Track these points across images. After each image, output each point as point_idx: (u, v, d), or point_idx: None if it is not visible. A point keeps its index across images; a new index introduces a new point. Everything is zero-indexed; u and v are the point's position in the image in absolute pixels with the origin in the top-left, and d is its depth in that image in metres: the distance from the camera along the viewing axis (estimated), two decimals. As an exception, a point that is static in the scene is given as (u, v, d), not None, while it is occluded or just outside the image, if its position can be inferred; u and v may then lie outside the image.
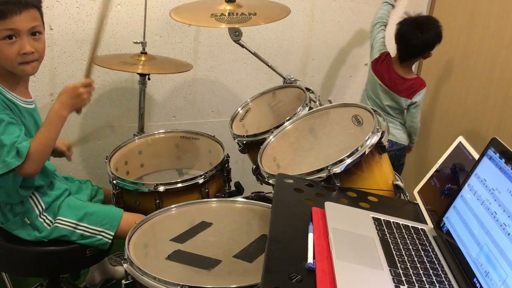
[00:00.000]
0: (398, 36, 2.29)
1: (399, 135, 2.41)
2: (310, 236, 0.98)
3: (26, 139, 1.40)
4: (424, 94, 2.34)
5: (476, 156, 1.15)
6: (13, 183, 1.49)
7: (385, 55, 2.37)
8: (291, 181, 1.27)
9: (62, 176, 1.74)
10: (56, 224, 1.56)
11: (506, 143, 0.99)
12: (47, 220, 1.57)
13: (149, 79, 2.13)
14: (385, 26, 2.42)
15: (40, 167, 1.44)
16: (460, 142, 1.26)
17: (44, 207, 1.58)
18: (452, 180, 1.21)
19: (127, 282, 1.21)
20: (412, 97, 2.31)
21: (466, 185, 1.06)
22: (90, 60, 1.54)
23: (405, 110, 2.37)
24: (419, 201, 1.29)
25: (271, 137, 1.64)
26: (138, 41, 2.09)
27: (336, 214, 1.08)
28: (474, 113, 2.53)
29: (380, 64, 2.36)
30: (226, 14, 1.90)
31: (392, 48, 2.38)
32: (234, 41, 2.01)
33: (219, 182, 1.86)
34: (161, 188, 1.67)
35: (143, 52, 2.09)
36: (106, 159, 1.87)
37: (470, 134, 2.52)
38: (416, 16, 2.31)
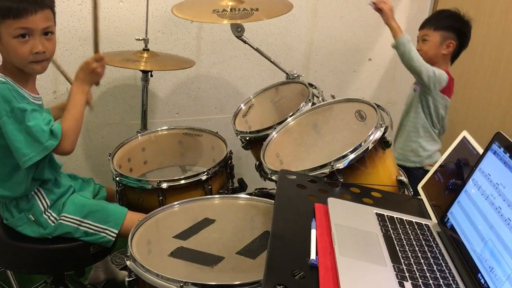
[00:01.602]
0: (461, 36, 2.09)
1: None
2: (313, 232, 0.98)
3: (56, 121, 1.47)
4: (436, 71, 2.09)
5: (481, 150, 1.14)
6: (26, 174, 1.50)
7: (448, 73, 2.10)
8: (294, 177, 1.26)
9: (66, 174, 1.74)
10: (60, 221, 1.57)
11: (510, 137, 0.98)
12: (51, 217, 1.57)
13: (151, 76, 2.12)
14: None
15: (75, 142, 1.51)
16: (464, 137, 1.25)
17: (49, 204, 1.58)
18: (456, 175, 1.20)
19: (131, 279, 1.21)
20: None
21: (470, 180, 1.05)
22: (96, 35, 1.58)
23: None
24: (423, 196, 1.28)
25: (274, 133, 1.64)
26: (140, 38, 2.09)
27: (339, 210, 1.08)
28: (479, 108, 2.52)
29: (452, 84, 2.10)
30: (228, 10, 1.89)
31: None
32: (237, 37, 2.00)
33: (222, 178, 1.85)
34: (164, 185, 1.67)
35: (146, 49, 2.08)
36: (109, 156, 1.87)
37: (475, 129, 2.51)
38: (454, 13, 2.14)
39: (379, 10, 2.04)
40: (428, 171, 1.34)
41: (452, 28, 2.08)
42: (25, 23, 1.37)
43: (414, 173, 2.12)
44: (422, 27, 2.14)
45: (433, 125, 2.15)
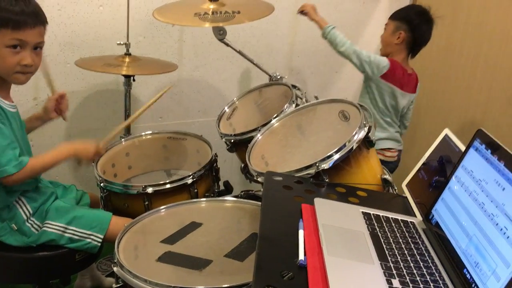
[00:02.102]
0: (420, 34, 2.14)
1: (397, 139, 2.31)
2: (301, 232, 0.98)
3: (25, 154, 1.48)
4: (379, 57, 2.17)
5: (463, 147, 1.16)
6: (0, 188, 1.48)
7: (395, 61, 2.15)
8: (280, 178, 1.27)
9: (47, 181, 1.72)
10: (44, 228, 1.55)
11: (491, 134, 1.00)
12: (34, 225, 1.55)
13: (134, 80, 2.11)
14: None
15: (23, 181, 1.48)
16: (446, 135, 1.27)
17: (31, 211, 1.56)
18: (439, 172, 1.22)
19: (118, 285, 1.20)
20: (416, 90, 2.24)
21: (453, 177, 1.07)
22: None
23: (407, 108, 2.26)
24: (407, 194, 1.29)
25: (258, 135, 1.64)
26: (122, 43, 2.07)
27: (326, 210, 1.08)
28: (459, 105, 2.56)
29: (396, 72, 2.14)
30: (210, 13, 1.89)
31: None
32: (219, 39, 2.01)
33: (208, 182, 1.85)
34: (150, 190, 1.66)
35: (127, 54, 2.07)
36: (93, 162, 1.85)
37: (456, 126, 2.55)
38: (419, 9, 2.20)
39: (303, 12, 2.21)
40: None
41: (405, 19, 2.15)
42: (21, 36, 1.39)
43: None
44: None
45: (381, 112, 2.20)
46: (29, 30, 1.40)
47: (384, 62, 2.10)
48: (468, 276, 0.87)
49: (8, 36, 1.37)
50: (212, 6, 1.92)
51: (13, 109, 1.52)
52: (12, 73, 1.43)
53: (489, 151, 0.96)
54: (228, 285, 1.09)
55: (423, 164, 1.32)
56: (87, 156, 1.57)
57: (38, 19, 1.43)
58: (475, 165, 1.00)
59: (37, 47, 1.46)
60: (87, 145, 1.57)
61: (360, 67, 2.12)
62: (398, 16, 2.17)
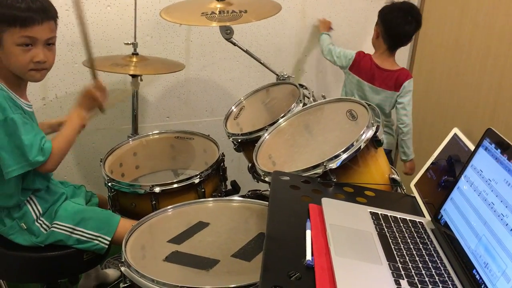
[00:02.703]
0: (388, 24, 2.19)
1: (387, 139, 2.37)
2: (308, 233, 0.98)
3: (47, 139, 1.47)
4: (411, 85, 2.22)
5: (472, 147, 1.14)
6: (16, 185, 1.49)
7: (363, 54, 2.29)
8: (287, 178, 1.26)
9: (58, 181, 1.72)
10: (52, 229, 1.56)
11: (500, 133, 0.98)
12: (44, 225, 1.56)
13: (141, 80, 2.11)
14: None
15: (59, 163, 1.51)
16: (455, 134, 1.26)
17: (41, 211, 1.57)
18: (448, 172, 1.21)
19: (125, 285, 1.20)
20: (399, 89, 2.23)
21: (462, 177, 1.06)
22: (91, 61, 1.60)
23: (395, 108, 2.28)
24: (416, 194, 1.28)
25: (266, 134, 1.64)
26: (129, 42, 2.08)
27: (333, 210, 1.08)
28: (468, 104, 2.53)
29: (361, 64, 2.27)
30: (217, 12, 1.89)
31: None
32: (226, 39, 2.00)
33: (215, 181, 1.85)
34: (157, 189, 1.66)
35: (135, 53, 2.07)
36: (101, 161, 1.85)
37: (465, 125, 2.52)
38: (396, 2, 2.25)
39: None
40: None
41: (379, 15, 2.25)
42: (30, 33, 1.39)
43: None
44: None
45: None
46: (38, 26, 1.39)
47: (351, 54, 2.30)
48: (477, 276, 0.86)
49: (17, 34, 1.37)
50: (219, 5, 1.91)
51: (30, 109, 1.54)
52: (26, 70, 1.44)
53: (499, 150, 0.95)
54: (235, 285, 1.08)
55: (432, 163, 1.30)
56: (97, 103, 1.59)
57: (46, 14, 1.42)
58: (485, 165, 0.99)
59: (49, 43, 1.45)
60: (89, 94, 1.58)
61: (335, 63, 2.37)
62: (379, 14, 2.25)
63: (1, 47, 1.40)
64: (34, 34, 1.39)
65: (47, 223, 1.56)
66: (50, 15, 1.44)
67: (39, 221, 1.56)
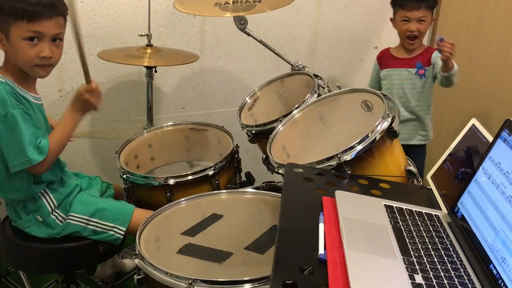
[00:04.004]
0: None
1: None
2: (321, 226, 0.97)
3: (44, 136, 1.46)
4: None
5: (490, 138, 1.12)
6: (28, 179, 1.50)
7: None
8: (301, 170, 1.25)
9: (72, 172, 1.74)
10: (68, 221, 1.57)
11: (520, 124, 0.96)
12: (59, 217, 1.58)
13: (156, 71, 2.11)
14: None
15: (52, 163, 1.50)
16: (473, 125, 1.23)
17: (56, 204, 1.58)
18: (465, 164, 1.18)
19: (139, 277, 1.20)
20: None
21: (480, 169, 1.03)
22: (84, 64, 1.55)
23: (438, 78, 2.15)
24: (432, 186, 1.26)
25: (280, 126, 1.62)
26: (144, 34, 2.08)
27: (347, 203, 1.06)
28: (488, 94, 2.48)
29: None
30: (231, 2, 1.88)
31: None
32: (240, 29, 1.98)
33: (230, 173, 1.84)
34: (172, 181, 1.66)
35: (149, 45, 2.07)
36: (116, 153, 1.86)
37: (484, 116, 2.47)
38: None
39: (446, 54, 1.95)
40: None
41: (433, 6, 2.15)
42: (37, 27, 1.39)
43: None
44: (418, 7, 2.10)
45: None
46: (45, 21, 1.39)
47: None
48: (494, 271, 0.84)
49: (25, 28, 1.37)
50: (232, -5, 1.90)
51: (39, 101, 1.54)
52: (31, 66, 1.44)
53: (518, 142, 0.93)
54: (249, 278, 1.08)
55: (449, 155, 1.28)
56: (89, 104, 1.56)
57: (55, 9, 1.41)
58: (503, 157, 0.96)
59: (56, 38, 1.45)
60: (79, 96, 1.54)
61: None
62: (432, 5, 2.13)
63: (9, 41, 1.40)
64: (41, 29, 1.39)
65: (62, 215, 1.58)
66: (59, 10, 1.43)
67: (54, 213, 1.57)
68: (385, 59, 2.29)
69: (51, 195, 1.58)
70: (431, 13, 2.13)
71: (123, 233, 1.60)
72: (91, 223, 1.58)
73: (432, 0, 2.14)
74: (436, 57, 2.11)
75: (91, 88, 1.55)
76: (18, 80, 1.46)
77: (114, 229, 1.59)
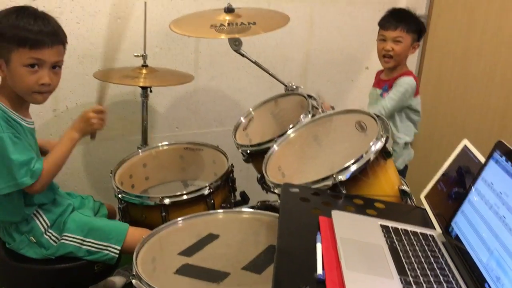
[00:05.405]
0: (420, 39, 2.19)
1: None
2: (319, 246, 0.98)
3: (38, 160, 1.46)
4: (411, 83, 2.10)
5: (482, 159, 1.14)
6: (18, 201, 1.50)
7: (411, 72, 2.21)
8: (297, 190, 1.26)
9: (64, 192, 1.74)
10: (62, 241, 1.57)
11: (510, 144, 0.98)
12: (52, 237, 1.57)
13: (151, 91, 2.13)
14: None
15: (47, 185, 1.51)
16: (465, 145, 1.26)
17: (49, 224, 1.58)
18: (458, 184, 1.21)
19: (137, 298, 1.20)
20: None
21: (473, 189, 1.05)
22: (102, 88, 1.61)
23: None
24: (426, 206, 1.28)
25: (275, 146, 1.64)
26: (139, 54, 2.10)
27: (344, 222, 1.08)
28: (477, 112, 2.53)
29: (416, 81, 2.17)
30: (226, 24, 1.90)
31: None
32: (235, 50, 2.01)
33: (225, 192, 1.85)
34: (167, 201, 1.67)
35: (144, 65, 2.09)
36: (111, 173, 1.87)
37: (474, 134, 2.52)
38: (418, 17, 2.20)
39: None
40: None
41: (418, 31, 2.16)
42: (38, 55, 1.41)
43: None
44: (395, 27, 2.12)
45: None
46: (47, 49, 1.42)
47: (412, 82, 2.10)
48: (489, 291, 0.86)
49: (26, 55, 1.40)
50: (228, 17, 1.93)
51: (31, 125, 1.55)
52: (30, 92, 1.45)
53: (510, 163, 0.95)
54: (246, 298, 1.09)
55: (442, 175, 1.30)
56: (91, 125, 1.58)
57: (57, 38, 1.45)
58: (496, 178, 0.99)
59: (56, 66, 1.48)
60: (84, 114, 1.57)
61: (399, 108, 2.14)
62: (413, 29, 2.13)
63: (8, 67, 1.42)
64: (42, 56, 1.42)
65: (56, 235, 1.58)
66: (60, 39, 1.47)
67: (47, 233, 1.57)
68: (375, 78, 2.35)
69: (43, 216, 1.58)
70: (411, 37, 2.12)
71: (117, 251, 1.60)
72: (85, 243, 1.58)
73: (413, 24, 2.13)
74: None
75: (99, 109, 1.58)
76: (12, 104, 1.48)
77: (109, 248, 1.59)
